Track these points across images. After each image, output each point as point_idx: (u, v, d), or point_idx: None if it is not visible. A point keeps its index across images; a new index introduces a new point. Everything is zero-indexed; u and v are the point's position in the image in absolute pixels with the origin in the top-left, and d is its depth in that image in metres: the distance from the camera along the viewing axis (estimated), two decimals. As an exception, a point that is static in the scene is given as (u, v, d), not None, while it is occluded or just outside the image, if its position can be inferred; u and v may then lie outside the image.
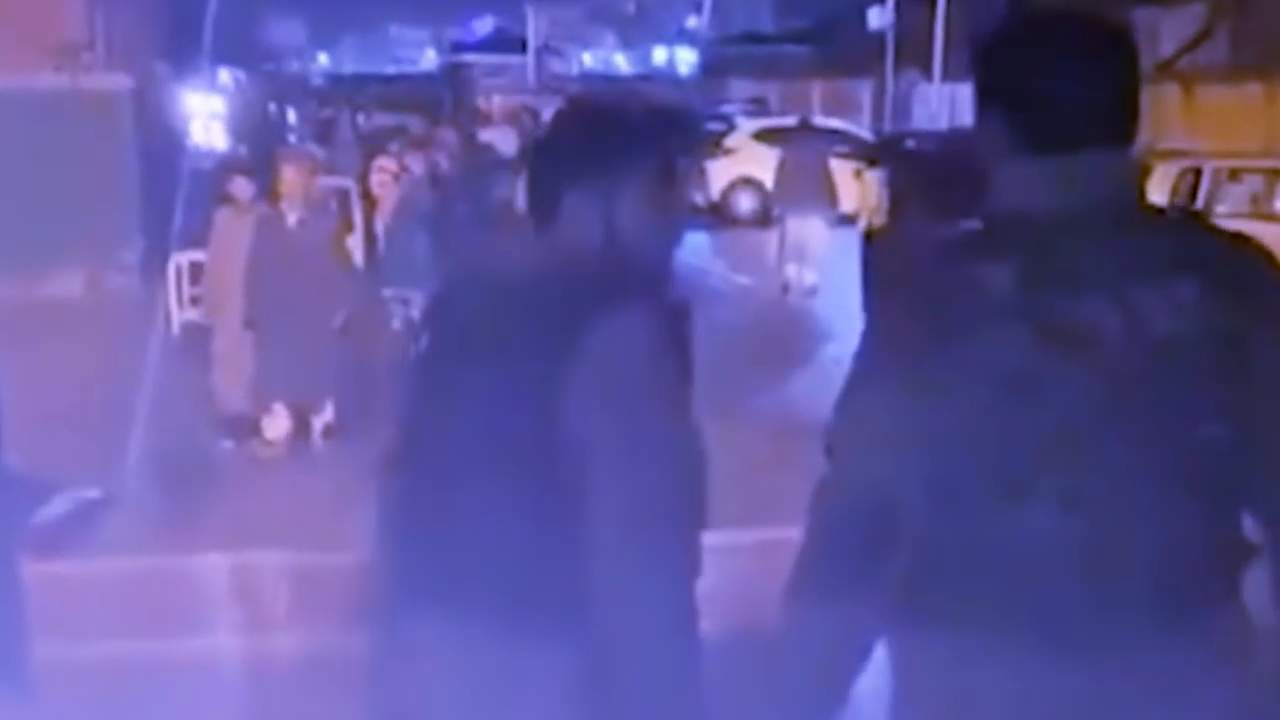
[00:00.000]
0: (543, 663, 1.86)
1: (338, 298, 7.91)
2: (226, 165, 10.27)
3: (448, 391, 1.98)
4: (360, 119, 20.29)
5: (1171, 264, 1.74)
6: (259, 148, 12.23)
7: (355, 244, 14.18)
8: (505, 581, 1.88)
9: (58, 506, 6.73)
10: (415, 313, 12.18)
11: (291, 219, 7.77)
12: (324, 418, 7.97)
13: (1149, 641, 1.69)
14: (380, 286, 12.34)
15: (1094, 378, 1.69)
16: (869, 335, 1.84)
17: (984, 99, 1.83)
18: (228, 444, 7.80)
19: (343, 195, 14.17)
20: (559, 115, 2.07)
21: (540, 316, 1.88)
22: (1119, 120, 1.80)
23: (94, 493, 7.01)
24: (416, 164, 12.84)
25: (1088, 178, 1.76)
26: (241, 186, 8.34)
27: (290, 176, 7.78)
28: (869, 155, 15.46)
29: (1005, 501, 1.70)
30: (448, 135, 14.09)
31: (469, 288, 2.07)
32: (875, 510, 1.73)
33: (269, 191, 7.95)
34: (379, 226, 12.66)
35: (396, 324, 12.13)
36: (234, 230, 8.06)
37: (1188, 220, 2.01)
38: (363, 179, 14.89)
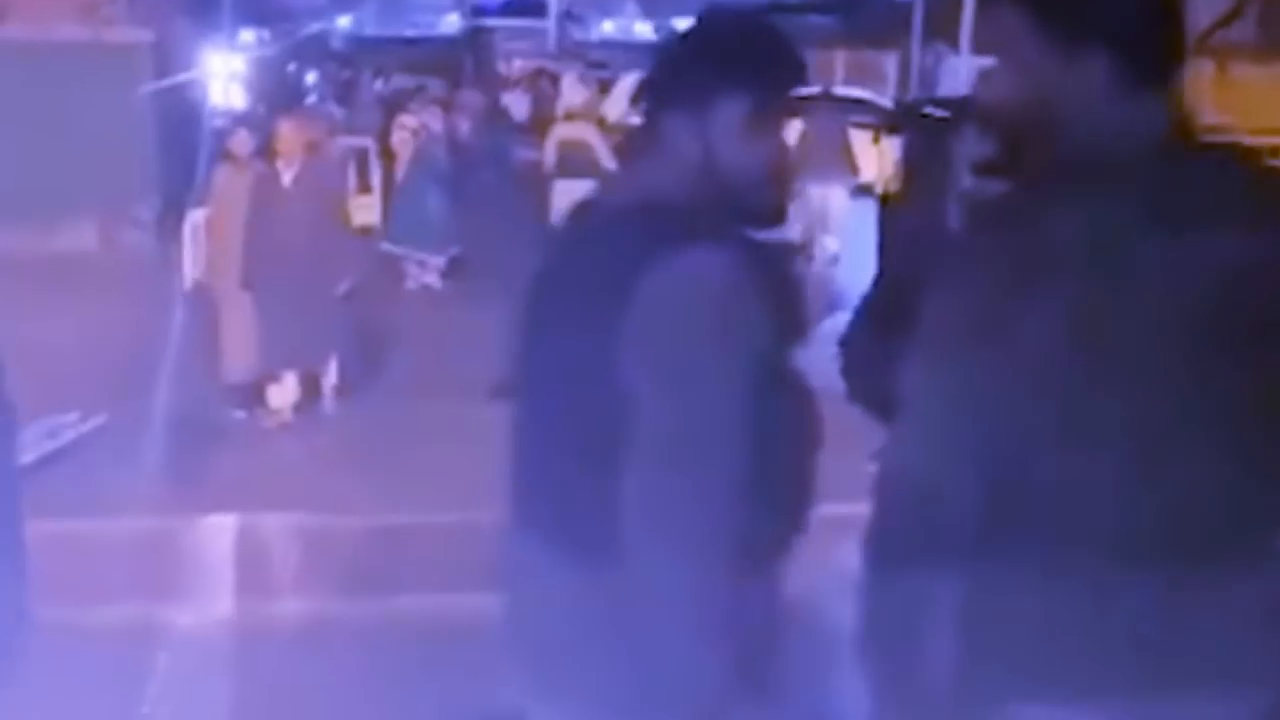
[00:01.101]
0: (602, 586, 1.88)
1: (339, 261, 7.75)
2: (234, 120, 10.10)
3: (542, 322, 2.01)
4: (380, 81, 20.17)
5: (1233, 196, 1.77)
6: (278, 108, 12.10)
7: (373, 205, 14.12)
8: (580, 510, 1.91)
9: (62, 434, 6.70)
10: (429, 273, 12.12)
11: (287, 178, 7.60)
12: (330, 380, 7.83)
13: (1220, 571, 1.74)
14: (392, 245, 12.28)
15: (1162, 314, 1.70)
16: (933, 298, 1.81)
17: (1081, 41, 1.80)
18: (240, 414, 7.68)
19: (361, 155, 14.08)
20: (686, 32, 2.03)
21: (621, 248, 1.87)
22: (1184, 56, 1.84)
23: (99, 419, 6.99)
24: (435, 122, 12.70)
25: (1168, 114, 1.81)
26: (242, 141, 8.12)
27: (287, 134, 7.60)
28: (888, 123, 15.31)
29: (1078, 443, 1.71)
30: (471, 97, 13.94)
31: (573, 216, 2.08)
32: (956, 469, 1.73)
33: (267, 149, 7.78)
34: (395, 185, 12.56)
35: (410, 284, 12.06)
36: (233, 188, 7.88)
37: (1237, 154, 2.00)
38: (382, 139, 14.80)
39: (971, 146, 4.16)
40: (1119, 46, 1.78)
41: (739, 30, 2.01)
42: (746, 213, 1.99)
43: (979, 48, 2.78)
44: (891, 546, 1.78)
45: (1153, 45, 1.80)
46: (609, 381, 1.84)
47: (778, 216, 2.06)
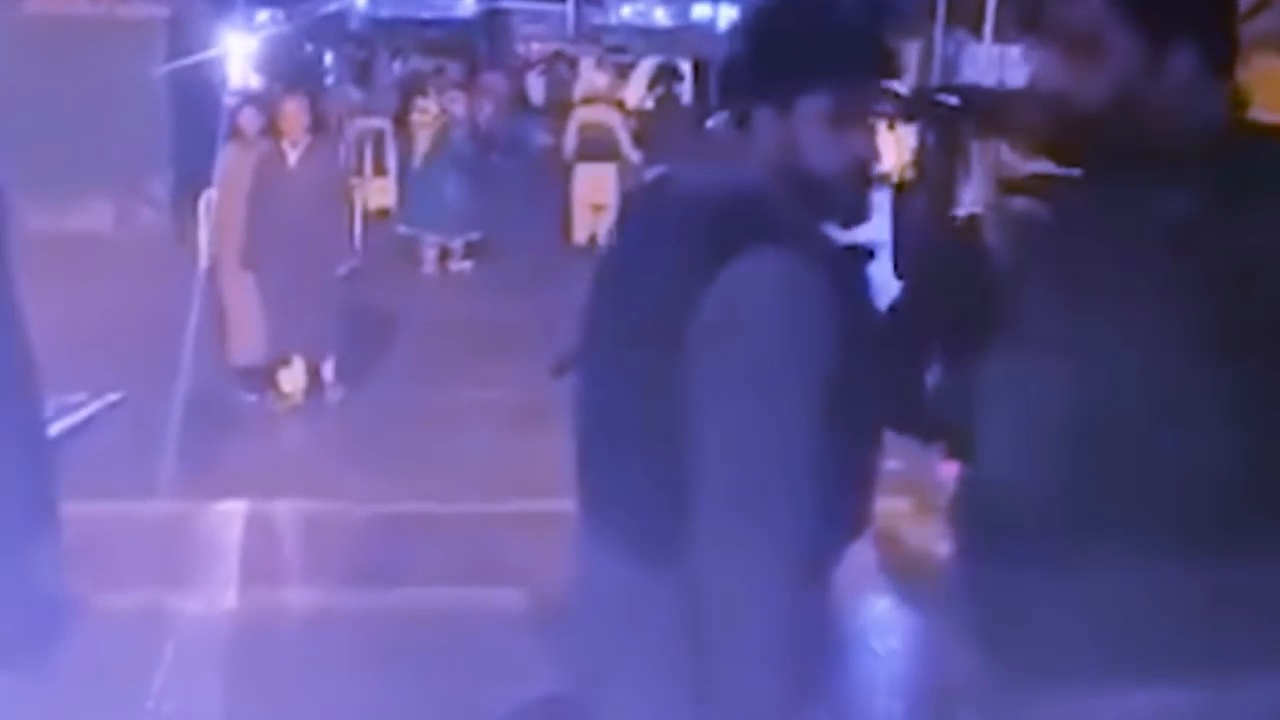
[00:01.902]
0: (649, 600, 1.86)
1: (342, 243, 7.60)
2: (243, 98, 9.94)
3: (606, 308, 1.98)
4: (399, 62, 20.11)
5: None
6: (294, 88, 12.00)
7: (389, 187, 14.03)
8: (625, 512, 1.90)
9: (83, 408, 6.62)
10: (438, 256, 12.02)
11: (292, 157, 7.46)
12: (328, 374, 7.65)
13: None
14: (407, 228, 12.19)
15: (1240, 298, 1.71)
16: (1011, 301, 1.85)
17: (1175, 32, 1.80)
18: (252, 398, 7.56)
19: (378, 137, 13.97)
20: (768, 19, 1.96)
21: (696, 242, 1.81)
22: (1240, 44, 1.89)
23: (114, 396, 6.90)
24: (458, 105, 12.60)
25: (1230, 101, 1.85)
26: (249, 118, 7.97)
27: (291, 112, 7.46)
28: (904, 111, 15.18)
29: (1177, 428, 1.72)
30: (493, 80, 13.83)
31: (647, 196, 2.04)
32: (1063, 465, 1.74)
33: (271, 127, 7.64)
34: (413, 167, 12.46)
35: (427, 267, 11.97)
36: (240, 166, 7.72)
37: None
38: (399, 121, 14.70)
39: (996, 157, 4.06)
40: (1205, 35, 1.81)
41: (824, 19, 1.94)
42: (828, 210, 1.93)
43: (1045, 41, 2.72)
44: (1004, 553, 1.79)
45: (1228, 33, 1.85)
46: (675, 375, 1.79)
47: (860, 215, 1.99)
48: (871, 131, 1.95)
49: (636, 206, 2.07)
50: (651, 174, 2.11)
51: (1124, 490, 1.74)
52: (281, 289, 7.33)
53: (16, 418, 1.98)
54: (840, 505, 1.88)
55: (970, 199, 5.18)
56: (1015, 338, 1.80)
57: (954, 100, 3.56)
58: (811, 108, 1.88)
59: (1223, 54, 1.83)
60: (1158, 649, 1.74)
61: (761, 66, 1.92)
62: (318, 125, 7.80)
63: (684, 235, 1.84)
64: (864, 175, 1.95)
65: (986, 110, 4.02)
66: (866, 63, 1.94)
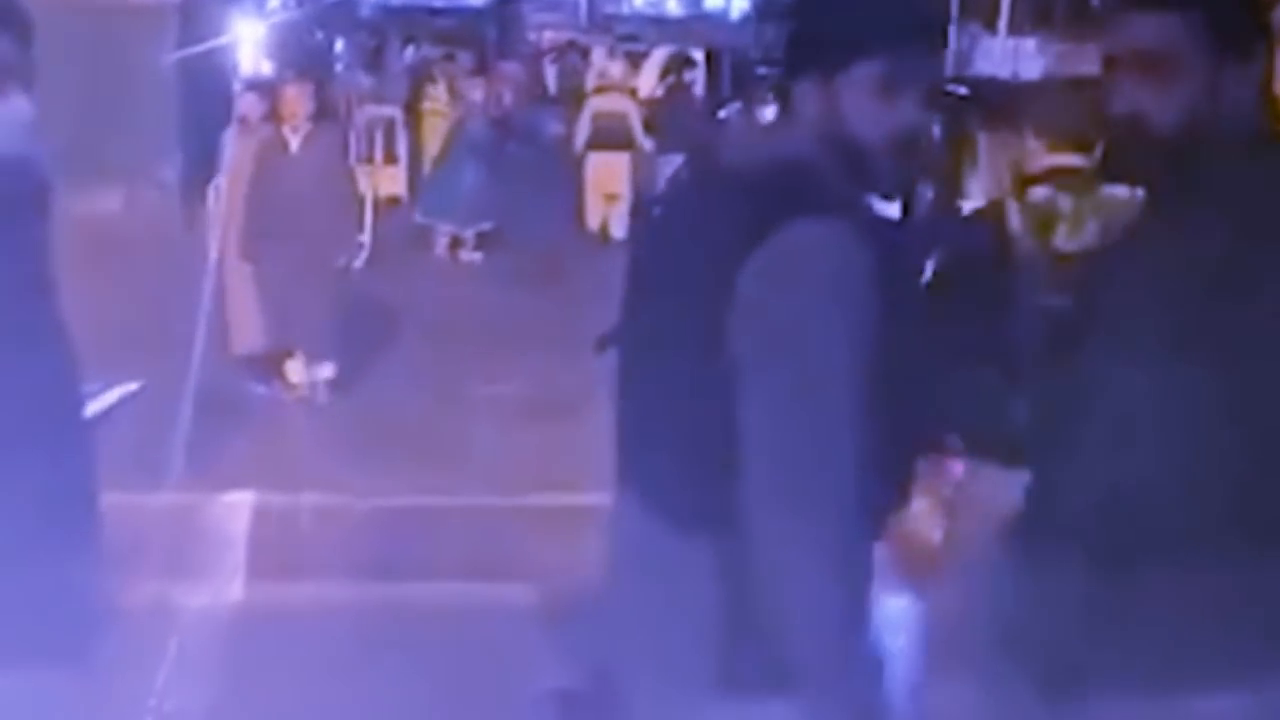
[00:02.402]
0: (712, 556, 1.85)
1: (343, 233, 7.51)
2: (247, 84, 9.86)
3: (651, 277, 1.99)
4: (409, 50, 20.03)
5: None
6: (304, 75, 11.95)
7: (399, 175, 13.97)
8: (664, 479, 1.91)
9: (106, 396, 6.57)
10: (449, 244, 11.98)
11: (294, 143, 7.34)
12: (324, 372, 7.45)
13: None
14: (423, 217, 12.13)
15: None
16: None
17: (1252, 40, 1.89)
18: (260, 389, 7.48)
19: (389, 125, 13.92)
20: None
21: (742, 213, 1.83)
22: None
23: (133, 386, 6.85)
24: (477, 93, 12.52)
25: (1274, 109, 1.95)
26: (251, 104, 7.87)
27: (291, 96, 7.34)
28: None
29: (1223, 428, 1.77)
30: (511, 69, 13.76)
31: (689, 175, 2.12)
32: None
33: (272, 113, 7.53)
34: (430, 156, 12.41)
35: (439, 252, 11.94)
36: (243, 153, 7.61)
37: None
38: (410, 109, 14.62)
39: (1013, 149, 3.99)
40: (1256, 50, 1.88)
41: None
42: (872, 181, 1.93)
43: (1120, 62, 2.70)
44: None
45: (1270, 46, 1.91)
46: (718, 347, 1.80)
47: (903, 186, 2.02)
48: (916, 102, 1.92)
49: (680, 185, 2.12)
50: (691, 152, 2.09)
51: (1198, 493, 1.77)
52: (279, 282, 7.21)
53: (62, 410, 1.99)
54: (887, 472, 1.88)
55: (978, 191, 5.10)
56: (1097, 342, 1.86)
57: (963, 90, 3.50)
58: (858, 77, 1.87)
59: (1264, 66, 1.88)
60: (1235, 653, 1.77)
61: (807, 36, 1.94)
62: (322, 112, 7.69)
63: (729, 209, 1.85)
64: (908, 146, 1.92)
65: (999, 103, 3.96)
66: (912, 31, 1.93)
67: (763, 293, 1.77)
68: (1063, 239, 3.52)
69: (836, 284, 1.76)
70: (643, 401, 1.98)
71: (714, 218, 1.87)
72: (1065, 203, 3.60)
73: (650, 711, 1.97)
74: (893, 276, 1.82)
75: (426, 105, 13.16)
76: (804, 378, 1.76)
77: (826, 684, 1.80)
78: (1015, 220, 3.55)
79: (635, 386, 2.00)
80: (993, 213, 3.73)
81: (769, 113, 18.85)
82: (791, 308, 1.77)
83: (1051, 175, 3.67)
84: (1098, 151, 3.76)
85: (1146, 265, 1.86)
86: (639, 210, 8.61)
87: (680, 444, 1.89)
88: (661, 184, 2.84)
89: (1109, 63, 1.90)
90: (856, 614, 1.83)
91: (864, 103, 1.87)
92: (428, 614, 4.54)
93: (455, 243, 11.99)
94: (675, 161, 12.27)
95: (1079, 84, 4.64)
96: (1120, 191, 3.47)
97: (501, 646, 4.23)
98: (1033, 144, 3.78)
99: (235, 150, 7.78)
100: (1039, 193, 3.65)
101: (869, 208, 1.92)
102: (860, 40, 1.87)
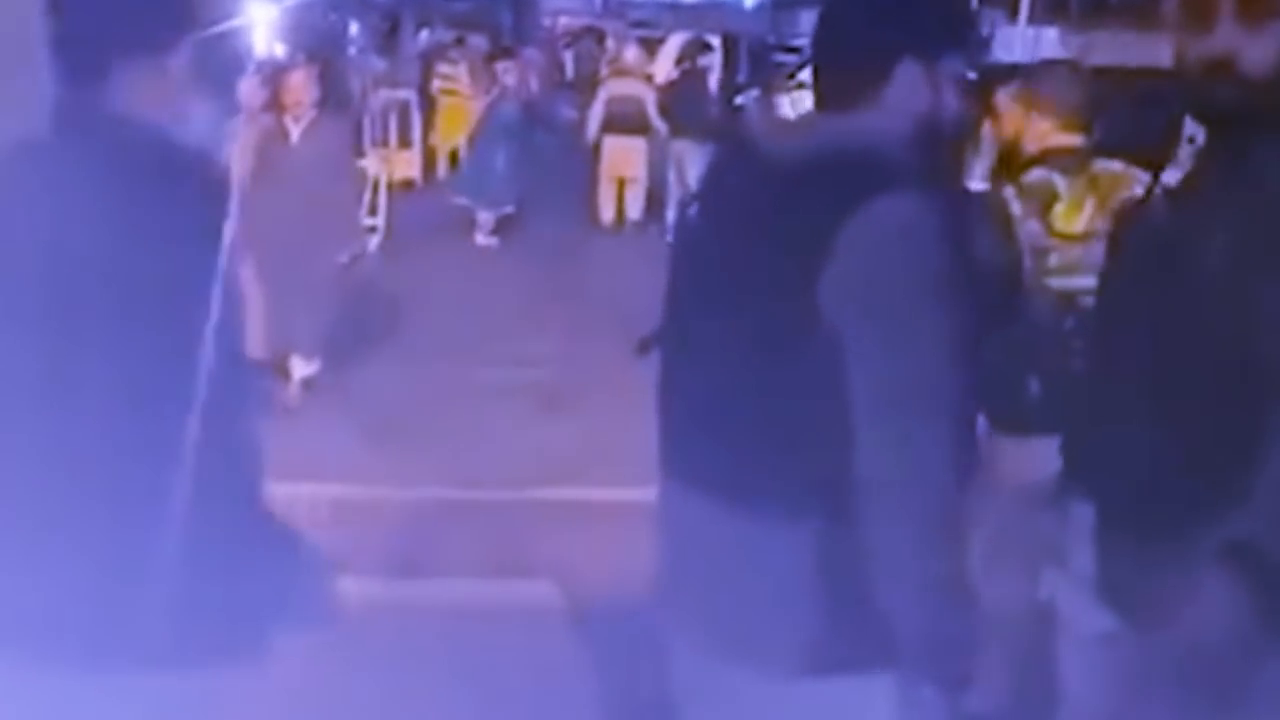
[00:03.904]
0: (783, 540, 1.90)
1: (344, 228, 7.30)
2: (252, 69, 9.66)
3: (713, 267, 1.99)
4: (424, 34, 19.93)
5: None
6: (317, 58, 11.82)
7: (414, 159, 13.84)
8: (754, 459, 1.92)
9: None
10: (481, 231, 11.91)
11: (295, 133, 7.10)
12: (307, 370, 7.18)
13: None
14: (456, 198, 12.08)
15: None
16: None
17: None
18: (264, 383, 7.29)
19: (403, 108, 13.79)
20: None
21: (813, 195, 1.88)
22: None
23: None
24: (509, 76, 12.45)
25: None
26: (251, 91, 7.61)
27: (295, 83, 7.09)
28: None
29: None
30: (534, 54, 13.64)
31: (741, 162, 2.05)
32: None
33: (274, 101, 7.24)
34: (460, 139, 12.31)
35: (480, 238, 11.87)
36: (242, 143, 7.27)
37: None
38: (424, 92, 14.48)
39: (1017, 130, 3.97)
40: None
41: None
42: (943, 162, 2.09)
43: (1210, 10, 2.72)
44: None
45: None
46: (806, 329, 1.85)
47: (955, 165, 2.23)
48: (958, 86, 2.04)
49: (727, 177, 2.09)
50: (725, 143, 2.23)
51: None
52: (278, 281, 6.99)
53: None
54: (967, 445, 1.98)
55: (980, 173, 5.04)
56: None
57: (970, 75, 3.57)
58: (952, 62, 2.01)
59: None
60: None
61: (865, 26, 2.02)
62: (329, 98, 7.45)
63: (801, 196, 1.89)
64: (955, 128, 2.07)
65: (1005, 84, 3.92)
66: (961, 23, 2.12)
67: (867, 264, 1.81)
68: (1061, 221, 3.57)
69: (936, 250, 1.84)
70: (701, 393, 2.00)
71: (784, 205, 1.91)
72: (1062, 183, 3.64)
73: (731, 696, 1.98)
74: (969, 250, 2.03)
75: (444, 88, 13.01)
76: (912, 341, 1.82)
77: (934, 654, 1.87)
78: (1014, 203, 3.58)
79: (691, 379, 2.02)
80: (994, 194, 3.74)
81: (796, 101, 18.75)
82: (897, 276, 1.82)
83: (1047, 156, 3.72)
84: (1095, 130, 3.82)
85: (1214, 210, 1.90)
86: (680, 206, 8.47)
87: (752, 432, 1.91)
88: (693, 178, 2.80)
89: (1202, 5, 1.92)
90: (962, 581, 1.88)
91: (922, 88, 1.98)
92: (446, 612, 4.42)
93: (474, 225, 11.95)
94: (692, 149, 12.19)
95: (1074, 65, 4.65)
96: (1114, 165, 3.72)
97: (521, 646, 4.10)
98: (1030, 124, 3.82)
99: (240, 141, 7.57)
100: (1035, 174, 3.66)
101: (939, 181, 2.02)
102: (920, 29, 2.00)
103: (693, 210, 2.13)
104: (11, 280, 1.92)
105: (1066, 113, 3.79)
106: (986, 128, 4.36)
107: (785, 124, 2.41)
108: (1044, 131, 3.77)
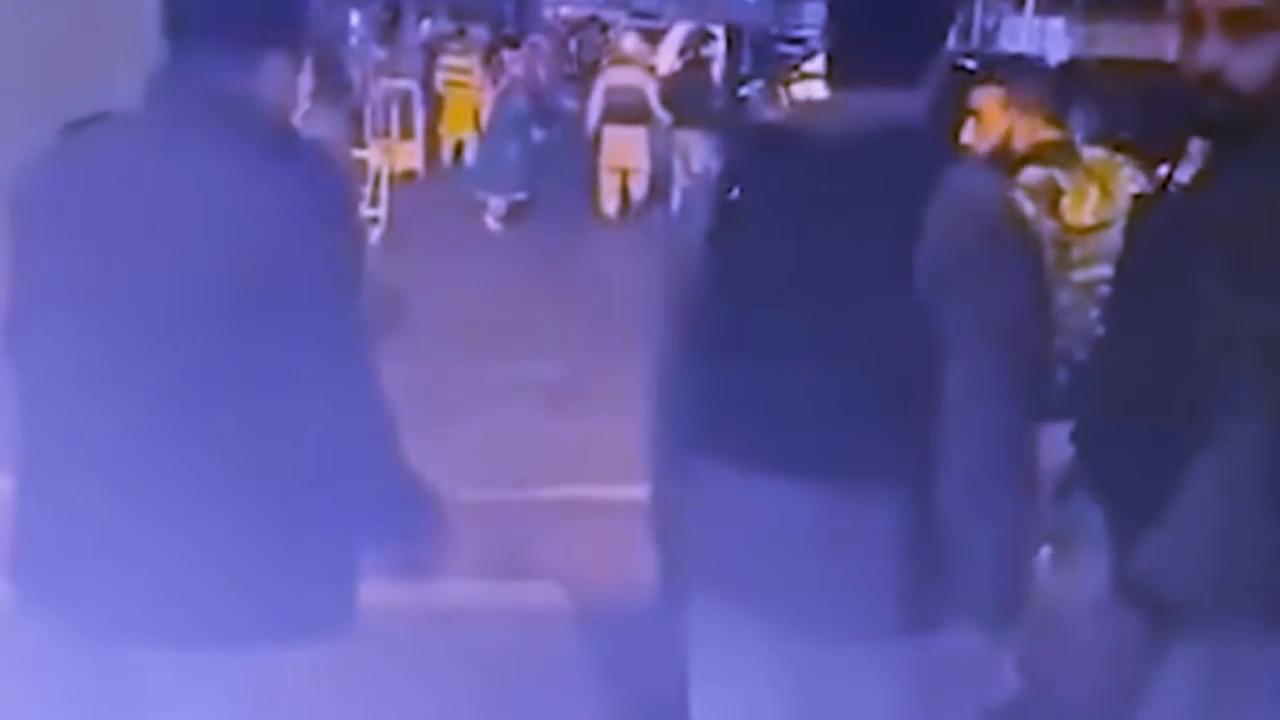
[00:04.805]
0: (865, 521, 1.97)
1: None
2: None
3: (781, 254, 2.00)
4: (425, 23, 19.86)
5: None
6: (318, 48, 11.76)
7: (416, 150, 13.78)
8: (830, 443, 1.97)
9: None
10: (489, 215, 11.90)
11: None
12: None
13: None
14: (470, 188, 12.06)
15: None
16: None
17: None
18: None
19: (405, 98, 13.72)
20: None
21: (882, 174, 1.93)
22: None
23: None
24: (518, 66, 12.44)
25: None
26: None
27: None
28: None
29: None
30: (540, 42, 13.59)
31: (788, 147, 2.07)
32: None
33: None
34: (467, 131, 12.27)
35: (491, 223, 11.86)
36: None
37: None
38: (427, 83, 14.40)
39: (1010, 125, 3.97)
40: None
41: None
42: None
43: (1202, 7, 2.67)
44: None
45: None
46: (898, 306, 1.90)
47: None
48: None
49: (764, 163, 2.11)
50: (753, 131, 2.36)
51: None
52: None
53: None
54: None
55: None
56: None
57: (970, 64, 3.68)
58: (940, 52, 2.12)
59: None
60: None
61: (900, 17, 2.07)
62: (326, 89, 7.42)
63: (870, 172, 1.95)
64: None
65: (1003, 77, 3.91)
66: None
67: (954, 236, 1.88)
68: (1070, 214, 3.62)
69: (1011, 220, 1.98)
70: (784, 382, 2.01)
71: (853, 186, 1.95)
72: (1062, 177, 3.66)
73: (812, 664, 2.05)
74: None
75: (452, 79, 12.94)
76: (1001, 308, 1.90)
77: (1015, 611, 1.98)
78: (1025, 203, 3.55)
79: (768, 369, 2.03)
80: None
81: (808, 89, 18.64)
82: (984, 245, 1.91)
83: (1039, 151, 3.75)
84: (1072, 123, 3.85)
85: (1213, 219, 1.91)
86: (717, 192, 8.43)
87: (851, 416, 1.96)
88: (716, 167, 2.75)
89: (1192, 17, 1.92)
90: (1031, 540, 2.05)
91: (941, 70, 2.08)
92: (450, 615, 4.36)
93: (483, 207, 11.95)
94: (698, 139, 12.17)
95: (1035, 59, 4.68)
96: (1099, 153, 3.77)
97: (528, 650, 4.04)
98: (1013, 122, 3.86)
99: None
100: (1035, 173, 3.68)
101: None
102: (950, 18, 2.15)
103: (736, 199, 2.10)
104: (118, 254, 1.95)
105: (1039, 108, 3.83)
106: (970, 127, 4.37)
107: (818, 106, 2.33)
108: (1030, 127, 3.81)
